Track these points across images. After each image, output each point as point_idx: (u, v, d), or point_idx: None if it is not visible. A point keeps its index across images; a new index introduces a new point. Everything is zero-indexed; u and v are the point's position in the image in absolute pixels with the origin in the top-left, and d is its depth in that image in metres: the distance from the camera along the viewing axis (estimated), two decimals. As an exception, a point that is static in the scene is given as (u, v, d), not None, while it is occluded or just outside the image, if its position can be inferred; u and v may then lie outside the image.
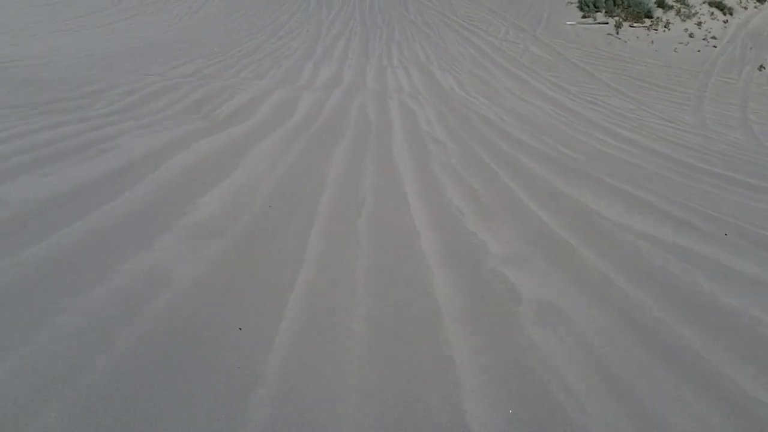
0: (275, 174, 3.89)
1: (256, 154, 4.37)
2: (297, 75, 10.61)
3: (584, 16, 16.99)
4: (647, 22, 16.28)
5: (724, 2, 17.74)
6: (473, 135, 6.29)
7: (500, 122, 7.33)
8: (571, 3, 17.96)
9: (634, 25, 16.18)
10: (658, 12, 16.71)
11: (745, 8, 17.65)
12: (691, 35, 15.91)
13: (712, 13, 17.20)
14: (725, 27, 16.57)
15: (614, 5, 16.71)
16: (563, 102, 9.80)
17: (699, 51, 15.01)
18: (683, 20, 16.78)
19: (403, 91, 9.74)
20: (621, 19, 16.32)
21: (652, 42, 15.61)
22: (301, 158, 4.46)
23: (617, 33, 15.91)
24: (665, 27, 16.19)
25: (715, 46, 15.33)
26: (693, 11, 17.14)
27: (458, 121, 7.17)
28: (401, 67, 12.32)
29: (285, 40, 15.19)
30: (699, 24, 16.61)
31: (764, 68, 13.67)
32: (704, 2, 17.91)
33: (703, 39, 15.79)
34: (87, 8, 19.10)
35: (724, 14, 17.33)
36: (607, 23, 16.39)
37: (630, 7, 16.64)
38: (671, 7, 17.20)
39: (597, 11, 16.95)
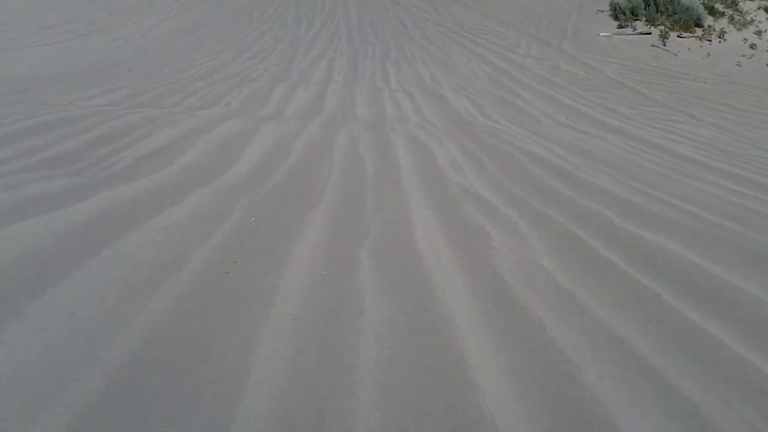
0: (128, 335, 1.70)
1: (122, 258, 2.19)
2: (262, 102, 8.55)
3: (620, 26, 15.21)
4: (698, 31, 14.49)
5: (782, 8, 16.04)
6: (534, 188, 4.16)
7: (563, 163, 5.22)
8: (602, 11, 16.24)
9: (683, 35, 14.40)
10: (709, 20, 14.95)
11: (809, 14, 15.96)
12: (752, 46, 14.11)
13: (772, 21, 15.46)
14: (790, 36, 14.81)
15: (656, 12, 14.95)
16: (628, 130, 7.75)
17: (768, 64, 13.17)
18: (738, 29, 15.02)
19: (408, 121, 7.67)
20: (666, 29, 14.53)
21: (708, 54, 13.78)
22: (220, 262, 2.29)
23: (664, 44, 14.10)
24: (720, 37, 14.41)
25: (785, 58, 13.50)
26: (748, 18, 15.39)
27: (499, 163, 5.06)
28: (401, 90, 10.32)
29: (253, 60, 13.26)
30: (758, 33, 14.84)
31: None
32: (759, 8, 16.21)
33: (768, 50, 13.98)
34: (30, 28, 17.24)
35: (785, 21, 15.60)
36: (649, 33, 14.60)
37: (675, 14, 14.88)
38: (722, 14, 15.47)
39: (636, 19, 15.19)
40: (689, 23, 14.70)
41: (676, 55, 13.69)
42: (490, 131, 6.95)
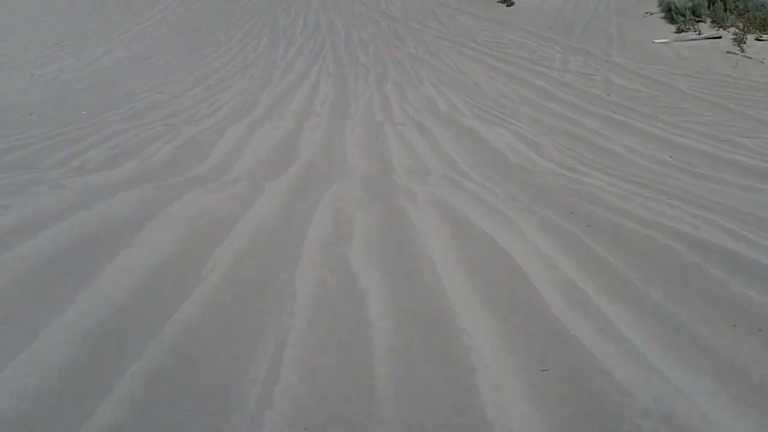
0: None
1: None
2: (203, 150, 6.03)
3: (680, 30, 12.85)
4: (780, 31, 12.13)
5: None
6: None
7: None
8: (651, 13, 13.91)
9: (763, 37, 12.02)
10: (788, 17, 12.60)
11: None
12: None
13: None
14: None
15: (724, 11, 12.61)
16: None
17: None
18: (826, 27, 12.64)
19: (430, 173, 5.14)
20: (741, 31, 12.15)
21: (802, 59, 11.36)
22: None
23: (742, 50, 11.71)
24: (808, 37, 12.02)
25: None
26: (836, 14, 13.03)
27: (666, 283, 2.47)
28: (410, 122, 7.83)
29: (212, 91, 10.84)
30: None
31: None
32: None
33: None
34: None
35: None
36: (719, 37, 12.22)
37: (748, 12, 12.54)
38: (802, 11, 13.13)
39: (698, 21, 12.82)
40: (767, 23, 12.34)
41: (762, 62, 11.27)
42: (574, 189, 4.39)
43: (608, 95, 9.64)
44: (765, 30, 12.27)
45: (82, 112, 8.82)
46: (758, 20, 12.41)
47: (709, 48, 12.14)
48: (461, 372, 1.73)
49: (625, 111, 8.51)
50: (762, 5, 12.61)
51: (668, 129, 7.34)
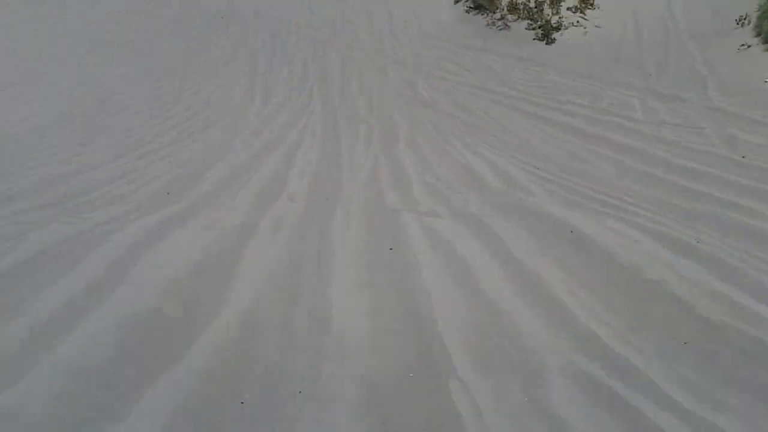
0: None
1: None
2: (13, 299, 2.99)
3: (798, 64, 10.03)
4: None
5: None
6: None
7: None
8: (747, 46, 11.11)
9: None
10: None
11: None
12: None
13: None
14: None
15: None
16: None
17: None
18: None
19: (544, 363, 2.05)
20: None
21: None
22: None
23: None
24: None
25: None
26: None
27: None
28: (448, 208, 4.86)
29: (143, 161, 8.05)
30: None
31: None
32: None
33: None
34: None
35: None
36: None
37: None
38: None
39: (824, 51, 10.03)
40: None
41: None
42: None
43: (743, 157, 6.69)
44: None
45: None
46: None
47: None
48: None
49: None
50: None
51: None
